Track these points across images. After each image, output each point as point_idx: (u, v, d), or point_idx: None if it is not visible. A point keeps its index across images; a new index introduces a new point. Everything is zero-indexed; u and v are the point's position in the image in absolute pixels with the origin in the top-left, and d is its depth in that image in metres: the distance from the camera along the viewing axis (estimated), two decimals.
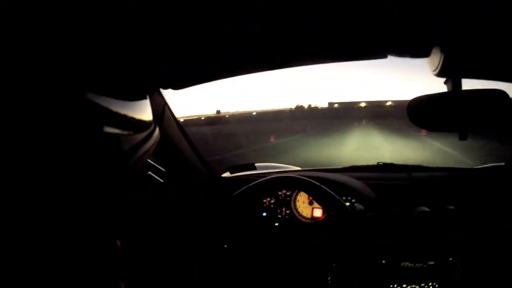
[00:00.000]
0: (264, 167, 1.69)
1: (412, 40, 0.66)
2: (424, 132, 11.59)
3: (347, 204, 1.28)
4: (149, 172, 1.15)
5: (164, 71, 0.75)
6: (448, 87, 0.69)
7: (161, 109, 0.99)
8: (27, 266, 0.24)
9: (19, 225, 0.23)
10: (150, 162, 1.16)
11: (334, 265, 1.25)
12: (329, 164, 1.80)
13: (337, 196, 1.22)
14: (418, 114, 0.72)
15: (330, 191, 1.23)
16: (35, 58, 0.24)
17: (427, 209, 1.17)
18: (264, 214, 1.39)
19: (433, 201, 1.21)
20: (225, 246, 1.35)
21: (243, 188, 1.30)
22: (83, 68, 0.30)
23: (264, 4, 0.50)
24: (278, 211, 1.38)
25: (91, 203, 0.31)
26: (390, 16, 0.56)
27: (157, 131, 0.47)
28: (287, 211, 1.37)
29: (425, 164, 1.46)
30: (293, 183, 1.33)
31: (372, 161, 1.52)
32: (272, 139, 15.59)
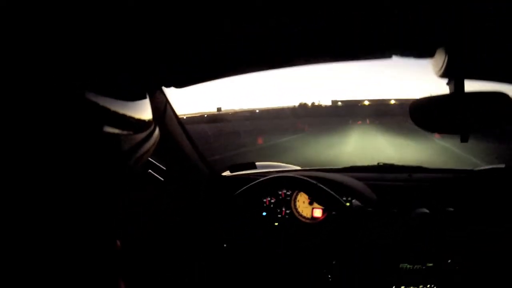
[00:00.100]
0: (265, 166, 1.69)
1: (417, 41, 0.66)
2: (437, 135, 10.10)
3: (347, 204, 1.28)
4: (150, 171, 1.15)
5: (166, 70, 0.75)
6: (450, 89, 0.69)
7: (162, 107, 0.99)
8: (28, 266, 0.24)
9: (19, 225, 0.23)
10: (150, 161, 1.17)
11: (333, 264, 1.25)
12: (329, 164, 1.80)
13: (335, 195, 1.22)
14: (420, 115, 0.72)
15: (328, 189, 1.23)
16: (35, 58, 0.24)
17: (426, 210, 1.17)
18: (264, 213, 1.39)
19: (433, 202, 1.20)
20: (225, 245, 1.35)
21: (243, 188, 1.30)
22: (83, 68, 0.30)
23: (264, 4, 0.50)
24: (278, 210, 1.38)
25: (91, 203, 0.31)
26: (392, 16, 0.56)
27: (157, 130, 0.47)
28: (287, 211, 1.37)
29: (425, 165, 1.46)
30: (291, 183, 1.33)
31: (373, 162, 1.51)
32: (260, 141, 13.74)
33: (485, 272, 1.13)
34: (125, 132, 0.34)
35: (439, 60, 0.66)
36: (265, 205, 1.39)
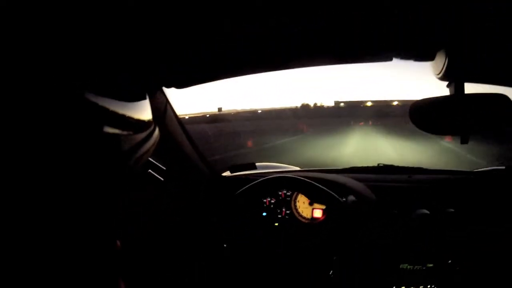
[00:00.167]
0: (265, 166, 1.69)
1: (417, 43, 0.66)
2: (448, 138, 9.56)
3: (343, 199, 1.28)
4: (150, 171, 1.15)
5: (166, 70, 0.75)
6: (450, 91, 0.69)
7: (163, 108, 0.99)
8: (28, 266, 0.24)
9: (19, 225, 0.23)
10: (150, 161, 1.17)
11: (334, 264, 1.25)
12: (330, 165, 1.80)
13: (329, 191, 1.23)
14: (420, 117, 0.72)
15: (322, 186, 1.24)
16: (35, 58, 0.24)
17: (427, 211, 1.17)
18: (264, 214, 1.39)
19: (433, 203, 1.20)
20: (225, 245, 1.35)
21: (242, 189, 1.30)
22: (83, 68, 0.30)
23: (264, 5, 0.50)
24: (278, 211, 1.38)
25: (91, 203, 0.31)
26: (392, 18, 0.56)
27: (157, 131, 0.47)
28: (287, 211, 1.37)
29: (425, 166, 1.46)
30: (284, 183, 1.34)
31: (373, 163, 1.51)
32: (249, 144, 12.53)
33: (485, 272, 1.13)
34: (125, 132, 0.34)
35: (439, 62, 0.66)
36: (265, 205, 1.39)
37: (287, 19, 0.56)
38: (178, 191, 1.28)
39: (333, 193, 1.26)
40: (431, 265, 1.16)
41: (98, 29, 0.38)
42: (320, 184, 1.28)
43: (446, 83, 0.70)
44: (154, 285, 1.17)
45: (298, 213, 1.36)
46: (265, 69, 0.80)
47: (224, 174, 1.57)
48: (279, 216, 1.37)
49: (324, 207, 1.33)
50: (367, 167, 1.50)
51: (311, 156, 9.45)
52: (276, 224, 1.36)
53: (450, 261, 1.15)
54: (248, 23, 0.56)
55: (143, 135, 0.40)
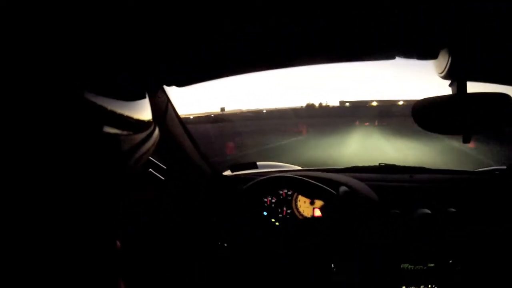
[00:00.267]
0: (266, 165, 1.69)
1: (419, 42, 0.65)
2: (471, 144, 8.77)
3: (334, 192, 1.28)
4: (150, 170, 1.16)
5: (167, 69, 0.75)
6: (453, 90, 0.69)
7: (164, 107, 0.99)
8: (27, 266, 0.24)
9: (19, 225, 0.23)
10: (151, 160, 1.17)
11: (334, 264, 1.25)
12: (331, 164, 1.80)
13: (322, 185, 1.24)
14: (423, 116, 0.72)
15: (313, 181, 1.26)
16: (33, 58, 0.23)
17: (428, 211, 1.17)
18: (265, 213, 1.39)
19: (435, 203, 1.20)
20: (225, 244, 1.35)
21: (243, 187, 1.30)
22: (83, 67, 0.29)
23: (265, 3, 0.50)
24: (279, 210, 1.38)
25: (91, 203, 0.31)
26: (394, 17, 0.56)
27: (157, 130, 0.47)
28: (288, 211, 1.37)
29: (427, 166, 1.46)
30: (280, 182, 1.35)
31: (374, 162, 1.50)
32: (230, 151, 11.06)
33: (486, 272, 1.13)
34: (125, 132, 0.33)
35: (442, 61, 0.66)
36: (266, 204, 1.39)
37: (288, 18, 0.55)
38: (179, 191, 1.27)
39: (326, 187, 1.26)
40: (432, 265, 1.16)
41: (98, 28, 0.38)
42: (322, 183, 1.28)
43: (450, 82, 0.70)
44: (154, 285, 1.16)
45: (299, 212, 1.36)
46: (266, 67, 0.80)
47: (225, 173, 1.56)
48: (280, 215, 1.37)
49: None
50: (369, 166, 1.50)
51: (311, 157, 9.39)
52: (277, 223, 1.36)
53: (451, 261, 1.15)
54: (248, 21, 0.55)
55: (143, 134, 0.40)
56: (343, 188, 1.23)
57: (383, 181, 1.36)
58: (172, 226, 1.26)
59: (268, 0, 0.49)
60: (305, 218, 1.35)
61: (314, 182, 1.29)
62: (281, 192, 1.39)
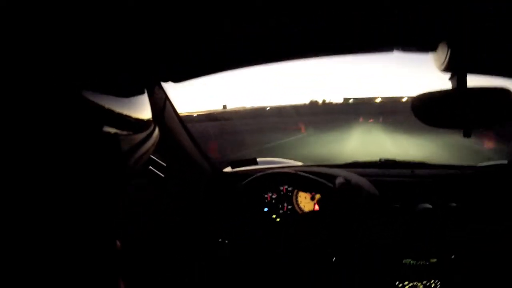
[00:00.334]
0: (266, 161, 1.69)
1: (418, 34, 0.65)
2: (489, 143, 8.09)
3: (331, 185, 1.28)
4: (150, 167, 1.15)
5: (163, 65, 0.74)
6: (453, 84, 0.68)
7: (162, 104, 0.98)
8: (28, 266, 0.24)
9: (19, 225, 0.23)
10: (151, 157, 1.16)
11: (336, 260, 1.25)
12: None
13: (317, 178, 1.25)
14: (422, 110, 0.71)
15: (309, 175, 1.26)
16: (32, 57, 0.23)
17: (429, 206, 1.17)
18: (266, 209, 1.38)
19: (436, 198, 1.20)
20: (226, 241, 1.34)
21: (241, 184, 1.30)
22: (81, 67, 0.29)
23: (264, 1, 0.49)
24: (280, 206, 1.38)
25: (92, 203, 0.31)
26: (392, 8, 0.56)
27: (156, 130, 0.47)
28: (289, 207, 1.37)
29: (427, 161, 1.46)
30: (273, 179, 1.35)
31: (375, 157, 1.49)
32: (213, 152, 9.94)
33: (488, 268, 1.13)
34: (125, 132, 0.34)
35: (441, 54, 0.65)
36: (266, 200, 1.39)
37: (287, 11, 0.55)
38: (179, 190, 1.27)
39: (322, 180, 1.26)
40: (434, 260, 1.16)
41: (95, 27, 0.37)
42: (322, 179, 1.28)
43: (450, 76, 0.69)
44: (154, 285, 1.16)
45: (300, 208, 1.36)
46: (264, 61, 0.79)
47: (226, 169, 1.56)
48: (281, 211, 1.37)
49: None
50: (370, 162, 1.50)
51: (310, 154, 9.34)
52: (278, 219, 1.36)
53: (453, 256, 1.15)
54: (246, 14, 0.55)
55: (143, 134, 0.40)
56: (339, 180, 1.23)
57: (384, 176, 1.36)
58: (172, 226, 1.26)
59: None
60: (305, 213, 1.35)
61: (309, 176, 1.29)
62: (281, 188, 1.39)
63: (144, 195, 1.16)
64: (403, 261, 1.18)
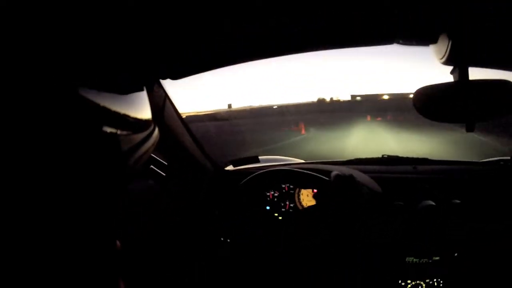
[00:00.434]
0: (268, 159, 1.68)
1: (418, 26, 0.64)
2: None
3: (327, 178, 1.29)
4: (151, 166, 1.15)
5: (162, 62, 0.74)
6: (454, 77, 0.68)
7: (162, 102, 0.97)
8: (27, 266, 0.24)
9: (19, 225, 0.23)
10: (152, 156, 1.16)
11: (337, 258, 1.25)
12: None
13: (314, 173, 1.26)
14: (424, 104, 0.70)
15: (306, 171, 1.27)
16: (31, 56, 0.23)
17: (432, 202, 1.16)
18: (268, 207, 1.38)
19: (439, 194, 1.20)
20: (228, 240, 1.34)
21: (242, 182, 1.31)
22: (78, 65, 0.29)
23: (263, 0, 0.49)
24: (282, 204, 1.37)
25: (91, 203, 0.30)
26: (393, 1, 0.55)
27: (157, 129, 0.47)
28: (291, 205, 1.37)
29: (430, 157, 1.45)
30: (270, 177, 1.36)
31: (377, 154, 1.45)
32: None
33: (491, 266, 1.13)
34: (124, 131, 0.33)
35: (442, 46, 0.64)
36: (268, 199, 1.38)
37: (288, 5, 0.54)
38: (179, 189, 1.27)
39: (318, 175, 1.26)
40: (437, 258, 1.16)
41: (93, 25, 0.37)
42: (324, 176, 1.27)
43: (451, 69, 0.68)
44: (154, 285, 1.16)
45: (302, 206, 1.35)
46: (264, 55, 0.79)
47: (227, 168, 1.56)
48: (283, 209, 1.37)
49: None
50: (372, 158, 1.49)
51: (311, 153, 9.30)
52: (280, 217, 1.35)
53: (456, 254, 1.15)
54: (244, 11, 0.54)
55: (143, 133, 0.40)
56: (334, 173, 1.22)
57: (386, 172, 1.35)
58: (172, 226, 1.26)
59: None
60: (305, 208, 1.34)
61: (305, 171, 1.29)
62: (283, 186, 1.38)
63: (144, 195, 1.15)
64: (406, 260, 1.17)
